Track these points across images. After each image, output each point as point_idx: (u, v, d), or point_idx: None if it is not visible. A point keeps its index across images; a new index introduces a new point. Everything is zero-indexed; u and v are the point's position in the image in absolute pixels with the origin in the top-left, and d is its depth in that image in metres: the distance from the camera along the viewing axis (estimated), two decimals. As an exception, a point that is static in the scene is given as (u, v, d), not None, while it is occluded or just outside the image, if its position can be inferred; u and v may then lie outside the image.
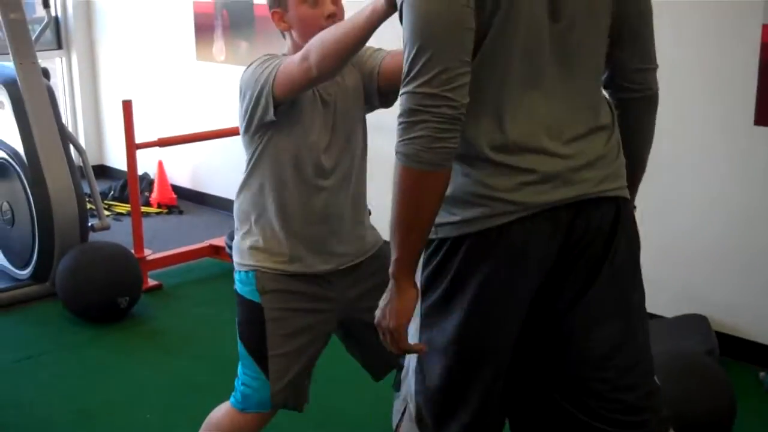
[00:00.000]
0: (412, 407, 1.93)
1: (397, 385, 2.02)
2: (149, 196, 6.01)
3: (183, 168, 6.13)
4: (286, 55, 2.34)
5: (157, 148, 4.54)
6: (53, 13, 6.45)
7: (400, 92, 1.64)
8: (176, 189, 6.11)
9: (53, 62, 6.54)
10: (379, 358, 2.47)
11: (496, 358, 1.85)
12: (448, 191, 1.71)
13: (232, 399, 2.49)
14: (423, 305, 1.82)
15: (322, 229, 2.41)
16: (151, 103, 6.10)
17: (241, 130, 2.41)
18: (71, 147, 4.51)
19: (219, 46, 5.57)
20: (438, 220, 1.74)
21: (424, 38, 1.60)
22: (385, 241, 2.64)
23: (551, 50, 1.73)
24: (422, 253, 1.78)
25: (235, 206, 2.52)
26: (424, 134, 1.60)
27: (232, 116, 5.42)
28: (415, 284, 1.77)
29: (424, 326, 1.84)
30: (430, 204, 1.68)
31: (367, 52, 2.41)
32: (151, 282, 4.44)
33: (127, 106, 4.18)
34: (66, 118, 6.53)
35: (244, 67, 2.44)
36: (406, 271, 1.74)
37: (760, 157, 3.39)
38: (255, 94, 2.28)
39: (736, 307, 3.57)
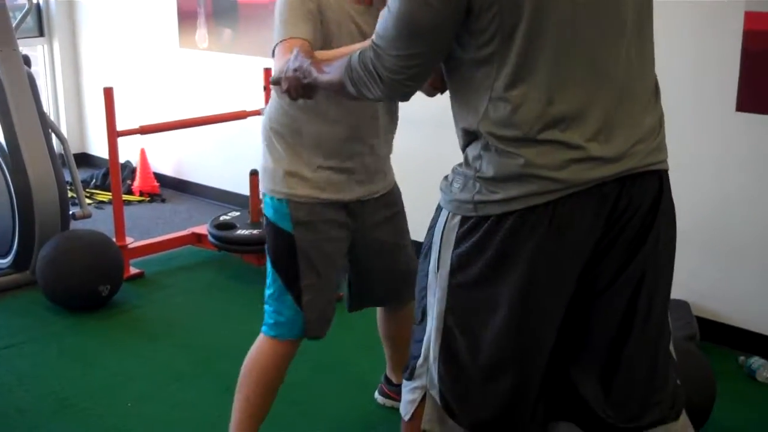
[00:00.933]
0: (435, 394, 1.91)
1: (409, 374, 1.99)
2: (131, 185, 5.98)
3: (165, 156, 6.10)
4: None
5: (139, 135, 4.51)
6: (34, 0, 6.40)
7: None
8: (159, 177, 6.08)
9: (34, 49, 6.48)
10: (365, 290, 2.75)
11: (544, 336, 1.85)
12: (489, 171, 1.75)
13: (264, 327, 2.57)
14: (452, 280, 1.83)
15: (355, 157, 2.52)
16: (134, 91, 6.06)
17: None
18: (52, 135, 4.48)
19: (202, 33, 5.54)
20: (477, 197, 1.76)
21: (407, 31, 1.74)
22: (397, 187, 2.76)
23: (593, 22, 1.72)
24: (454, 231, 1.82)
25: (264, 125, 2.57)
26: (379, 76, 1.77)
27: (215, 103, 5.42)
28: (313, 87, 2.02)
29: (453, 301, 1.84)
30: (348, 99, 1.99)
31: None
32: (133, 270, 4.41)
33: (108, 93, 4.15)
34: (47, 106, 6.48)
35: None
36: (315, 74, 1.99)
37: (741, 143, 3.40)
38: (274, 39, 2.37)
39: (716, 292, 3.58)
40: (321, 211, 2.50)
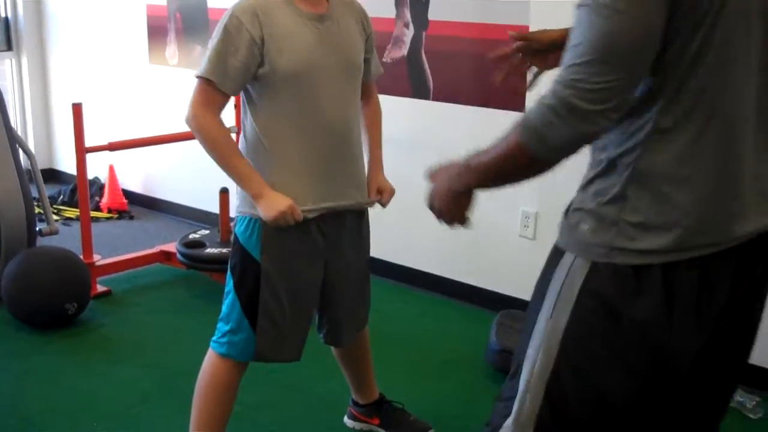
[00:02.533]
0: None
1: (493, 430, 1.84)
2: (99, 201, 5.93)
3: (134, 173, 6.06)
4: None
5: (107, 152, 4.48)
6: (2, 14, 6.36)
7: (559, 73, 1.56)
8: (127, 194, 6.04)
9: (2, 64, 6.44)
10: (343, 320, 2.73)
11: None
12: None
13: (213, 343, 2.56)
14: (576, 330, 1.68)
15: (325, 164, 2.52)
16: (103, 107, 6.02)
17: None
18: (20, 150, 4.44)
19: (172, 49, 5.52)
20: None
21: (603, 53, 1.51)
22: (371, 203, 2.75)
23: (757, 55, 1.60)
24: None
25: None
26: (560, 135, 1.56)
27: (184, 121, 5.36)
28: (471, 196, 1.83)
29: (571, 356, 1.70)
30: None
31: (372, 38, 2.65)
32: (100, 288, 4.37)
33: (77, 109, 4.11)
34: (15, 121, 6.42)
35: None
36: (465, 190, 1.82)
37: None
38: None
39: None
40: (289, 237, 2.48)
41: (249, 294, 2.50)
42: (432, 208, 1.87)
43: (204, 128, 2.43)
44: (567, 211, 1.78)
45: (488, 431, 1.86)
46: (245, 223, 2.52)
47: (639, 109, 1.58)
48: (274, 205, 2.40)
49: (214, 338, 2.59)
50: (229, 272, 2.56)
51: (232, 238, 2.62)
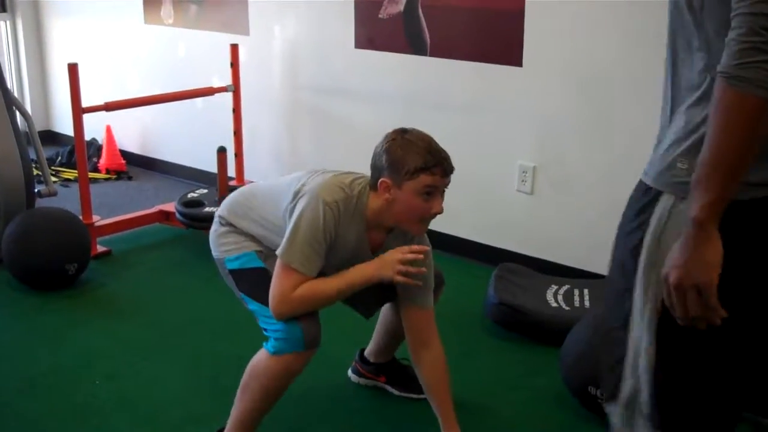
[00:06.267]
0: (647, 409, 1.68)
1: (610, 391, 1.75)
2: (97, 162, 5.93)
3: (131, 133, 6.06)
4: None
5: (104, 112, 4.47)
6: (-4, -25, 6.32)
7: (737, 6, 1.42)
8: (125, 154, 6.04)
9: (-3, 25, 6.40)
10: (369, 298, 2.71)
11: None
12: None
13: (267, 345, 2.53)
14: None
15: None
16: (99, 67, 6.00)
17: (278, 213, 2.54)
18: (17, 112, 4.43)
19: (167, 9, 5.48)
20: None
21: None
22: None
23: None
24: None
25: (230, 210, 2.69)
26: None
27: (181, 80, 5.36)
28: (719, 235, 1.49)
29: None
30: (759, 138, 1.44)
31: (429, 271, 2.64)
32: (100, 248, 4.39)
33: (73, 69, 4.10)
34: (11, 83, 6.40)
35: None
36: (719, 215, 1.48)
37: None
38: (284, 236, 2.44)
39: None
40: None
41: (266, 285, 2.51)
42: (676, 294, 1.55)
43: (301, 302, 2.43)
44: (658, 145, 1.67)
45: (607, 394, 1.78)
46: (232, 258, 2.62)
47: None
48: (387, 264, 2.41)
49: (265, 343, 2.55)
50: (243, 296, 2.61)
51: (225, 278, 2.69)
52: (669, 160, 1.60)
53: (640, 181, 1.67)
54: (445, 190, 2.44)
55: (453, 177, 2.42)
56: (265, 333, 2.53)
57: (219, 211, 2.74)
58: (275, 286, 2.42)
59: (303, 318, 2.46)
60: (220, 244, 2.67)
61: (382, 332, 3.02)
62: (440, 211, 2.43)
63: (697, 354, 1.63)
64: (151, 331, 3.58)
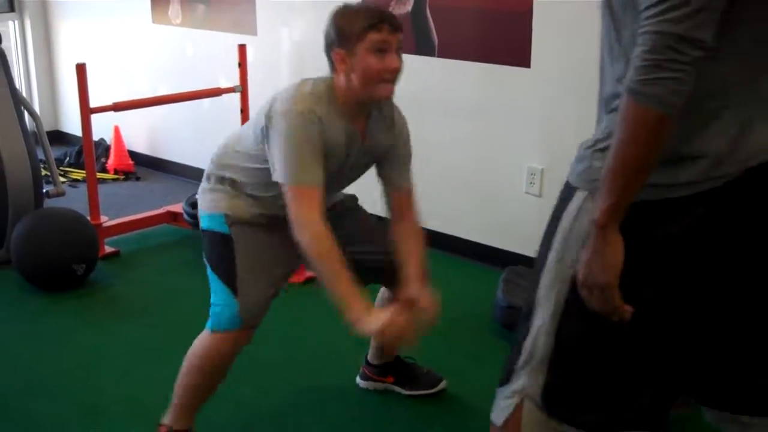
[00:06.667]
0: (538, 398, 1.80)
1: (505, 377, 1.87)
2: (105, 163, 5.93)
3: (140, 134, 6.06)
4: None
5: (112, 113, 4.47)
6: (4, -25, 6.32)
7: (643, 24, 1.49)
8: (133, 155, 6.04)
9: (5, 25, 6.40)
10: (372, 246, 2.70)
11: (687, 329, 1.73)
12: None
13: (208, 323, 2.56)
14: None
15: None
16: (107, 67, 6.00)
17: (251, 138, 2.51)
18: (25, 112, 4.43)
19: (175, 9, 5.48)
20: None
21: None
22: (348, 195, 2.78)
23: None
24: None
25: (218, 157, 2.65)
26: (675, 76, 1.47)
27: (189, 80, 5.36)
28: (620, 237, 1.59)
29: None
30: (660, 148, 1.53)
31: (401, 150, 2.62)
32: (108, 249, 4.39)
33: (81, 69, 4.10)
34: (19, 83, 6.41)
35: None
36: (619, 219, 1.58)
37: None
38: (274, 166, 2.41)
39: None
40: (258, 217, 2.57)
41: (225, 265, 2.52)
42: (585, 285, 1.65)
43: (317, 240, 2.35)
44: (580, 148, 1.77)
45: (504, 376, 1.88)
46: (205, 216, 2.62)
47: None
48: (373, 325, 2.32)
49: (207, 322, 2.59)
50: (205, 259, 2.60)
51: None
52: (586, 159, 1.70)
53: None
54: (401, 48, 2.42)
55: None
56: (210, 308, 2.56)
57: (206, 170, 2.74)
58: (293, 213, 2.36)
59: (243, 294, 2.48)
60: (201, 200, 2.68)
61: None
62: (398, 66, 2.40)
63: (595, 348, 1.72)
64: (159, 331, 3.58)
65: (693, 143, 1.59)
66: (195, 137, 5.64)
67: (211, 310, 2.54)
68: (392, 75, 2.40)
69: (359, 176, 2.67)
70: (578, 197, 1.70)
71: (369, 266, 2.64)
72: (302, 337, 3.48)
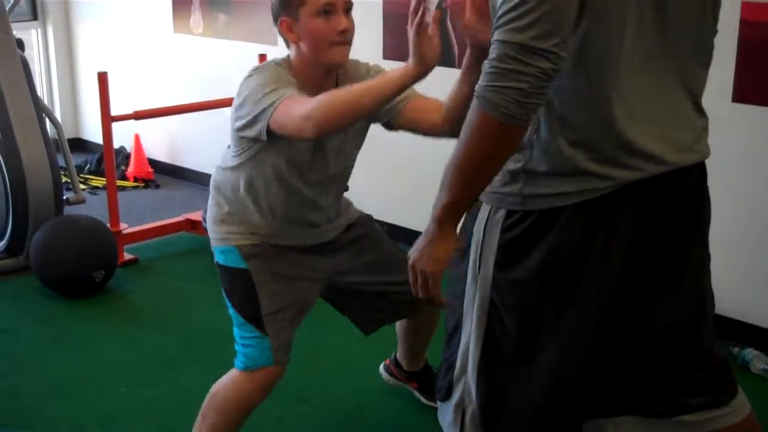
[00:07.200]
0: (475, 410, 1.79)
1: (444, 394, 1.86)
2: (125, 170, 5.96)
3: (160, 142, 6.09)
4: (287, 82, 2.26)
5: (133, 121, 4.49)
6: (28, -16, 6.38)
7: (494, 35, 1.50)
8: (153, 163, 6.06)
9: (28, 34, 6.45)
10: (369, 317, 2.68)
11: (593, 338, 1.74)
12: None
13: (236, 362, 2.48)
14: (502, 274, 1.71)
15: (300, 219, 2.47)
16: (128, 76, 6.04)
17: (232, 127, 2.38)
18: (46, 120, 4.46)
19: (196, 18, 5.51)
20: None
21: None
22: (363, 214, 2.69)
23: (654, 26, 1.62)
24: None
25: (214, 181, 2.55)
26: (517, 86, 1.47)
27: (209, 89, 5.38)
28: (455, 233, 1.68)
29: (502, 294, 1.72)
30: (504, 156, 1.58)
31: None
32: (127, 256, 4.41)
33: (102, 78, 4.13)
34: (41, 91, 6.46)
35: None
36: (456, 217, 1.66)
37: (738, 134, 3.40)
38: (252, 116, 2.24)
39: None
40: (270, 248, 2.45)
41: (250, 305, 2.43)
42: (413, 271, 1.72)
43: (317, 101, 2.11)
44: None
45: (441, 393, 1.88)
46: (222, 248, 2.48)
47: None
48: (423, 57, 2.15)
49: (235, 360, 2.49)
50: (225, 295, 2.50)
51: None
52: None
53: None
54: (350, 9, 2.30)
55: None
56: (236, 346, 2.47)
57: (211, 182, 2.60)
58: (286, 118, 2.13)
59: (272, 329, 2.39)
60: (212, 231, 2.54)
61: (399, 339, 2.99)
62: (348, 27, 2.27)
63: (518, 360, 1.73)
64: (177, 339, 3.59)
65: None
66: (215, 146, 5.62)
67: (239, 349, 2.45)
68: (342, 37, 2.27)
69: (360, 143, 2.51)
70: (483, 211, 1.73)
71: (391, 299, 2.62)
72: (313, 356, 3.47)
